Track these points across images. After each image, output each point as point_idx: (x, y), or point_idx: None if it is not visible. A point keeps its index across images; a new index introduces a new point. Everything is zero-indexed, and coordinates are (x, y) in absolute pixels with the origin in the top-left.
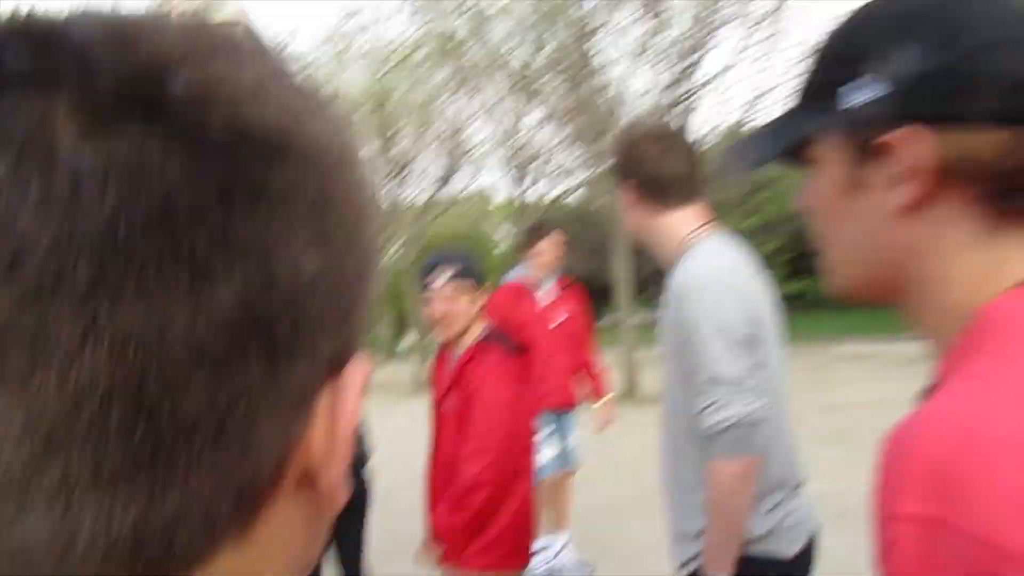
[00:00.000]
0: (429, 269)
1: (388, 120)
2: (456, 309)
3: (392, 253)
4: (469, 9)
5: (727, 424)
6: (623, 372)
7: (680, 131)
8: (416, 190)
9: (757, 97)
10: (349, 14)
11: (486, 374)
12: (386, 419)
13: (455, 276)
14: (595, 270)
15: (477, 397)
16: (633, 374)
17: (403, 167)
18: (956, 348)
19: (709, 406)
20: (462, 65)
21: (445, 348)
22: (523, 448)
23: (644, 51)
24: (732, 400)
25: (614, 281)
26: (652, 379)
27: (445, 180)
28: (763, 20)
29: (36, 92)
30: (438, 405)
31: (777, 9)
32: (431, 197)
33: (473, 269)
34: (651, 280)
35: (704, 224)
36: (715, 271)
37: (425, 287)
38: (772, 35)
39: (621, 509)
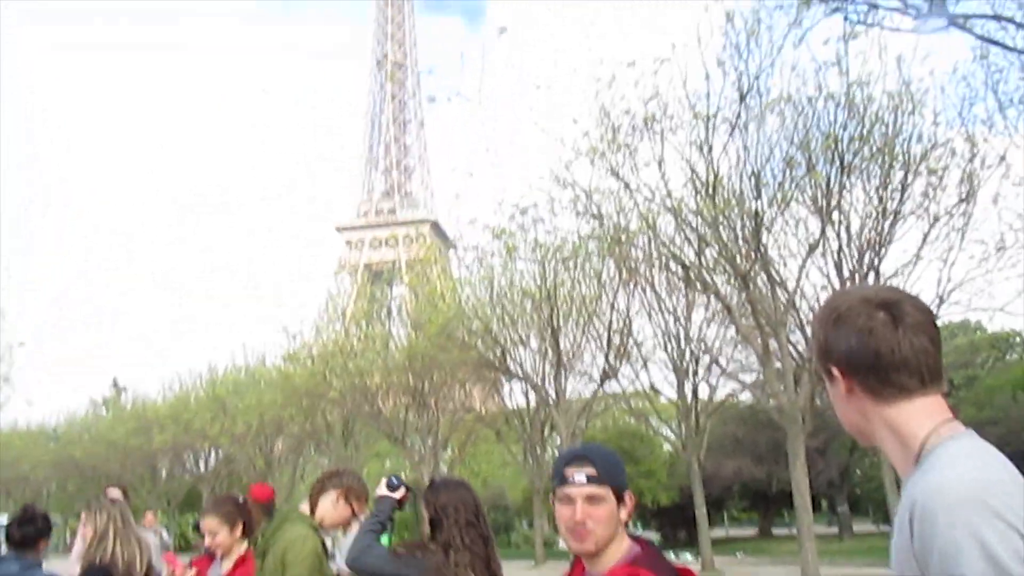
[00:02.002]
0: (567, 461)
1: (556, 313)
2: (596, 515)
3: (554, 449)
4: (638, 205)
5: None
6: None
7: (908, 295)
8: (580, 385)
9: (947, 291)
10: (521, 209)
11: None
12: None
13: (598, 477)
14: (766, 477)
15: None
16: None
17: (569, 360)
18: None
19: None
20: (630, 260)
21: (579, 561)
22: None
23: (819, 245)
24: None
25: (790, 489)
26: None
27: (610, 375)
28: (947, 215)
29: None
30: None
31: (963, 202)
32: (595, 393)
33: (615, 473)
34: (831, 488)
35: (948, 420)
36: (977, 483)
37: (562, 481)
38: (958, 229)
39: None
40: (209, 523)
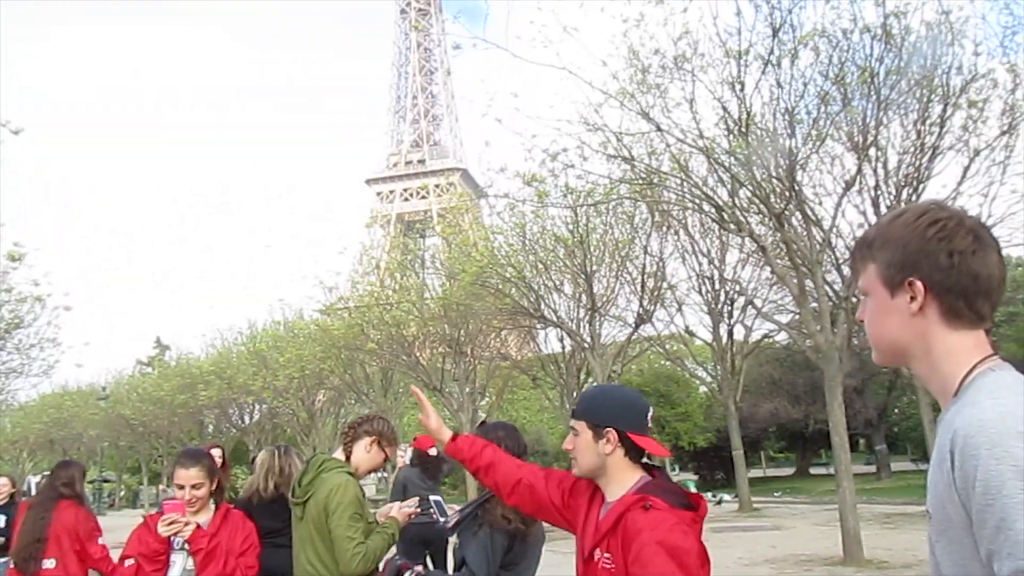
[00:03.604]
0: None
1: (589, 258)
2: (577, 445)
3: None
4: (669, 147)
5: None
6: (843, 532)
7: (983, 223)
8: (615, 329)
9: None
10: (552, 154)
11: (653, 533)
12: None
13: (575, 413)
14: (802, 417)
15: (638, 562)
16: (854, 534)
17: (603, 305)
18: None
19: None
20: (662, 203)
21: (595, 490)
22: None
23: (856, 183)
24: None
25: (827, 429)
26: (876, 539)
27: (644, 319)
28: (987, 149)
29: None
30: (583, 552)
31: (1005, 134)
32: (630, 336)
33: (590, 409)
34: (869, 427)
35: (991, 354)
36: (1021, 415)
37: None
38: (1000, 163)
39: None
40: (194, 475)
